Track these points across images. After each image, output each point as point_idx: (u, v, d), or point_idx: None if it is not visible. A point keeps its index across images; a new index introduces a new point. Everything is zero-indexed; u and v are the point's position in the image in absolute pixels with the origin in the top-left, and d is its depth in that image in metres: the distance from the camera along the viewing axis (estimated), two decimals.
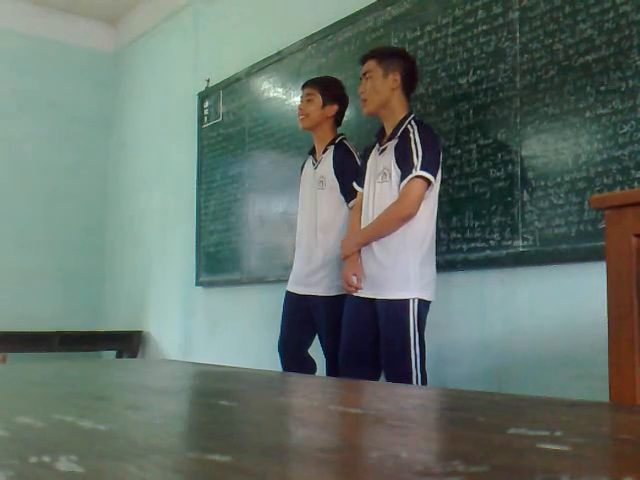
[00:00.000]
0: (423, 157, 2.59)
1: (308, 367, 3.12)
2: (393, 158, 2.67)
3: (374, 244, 2.69)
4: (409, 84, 2.80)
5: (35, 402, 1.08)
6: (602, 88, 2.55)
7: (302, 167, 3.31)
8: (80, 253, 5.75)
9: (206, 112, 4.85)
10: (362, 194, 2.84)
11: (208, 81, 4.82)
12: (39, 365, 2.67)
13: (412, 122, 2.70)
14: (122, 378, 1.55)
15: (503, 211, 2.84)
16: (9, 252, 5.41)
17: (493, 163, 2.89)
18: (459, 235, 2.99)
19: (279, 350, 3.17)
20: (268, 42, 4.23)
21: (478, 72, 2.99)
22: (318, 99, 3.12)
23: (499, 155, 2.88)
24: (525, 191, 2.76)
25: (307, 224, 3.14)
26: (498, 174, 2.87)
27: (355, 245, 2.76)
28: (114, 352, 5.38)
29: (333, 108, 3.14)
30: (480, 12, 3.00)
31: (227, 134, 4.62)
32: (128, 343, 5.30)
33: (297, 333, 3.15)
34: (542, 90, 2.74)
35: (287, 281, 3.23)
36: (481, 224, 2.91)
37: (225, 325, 4.54)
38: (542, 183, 2.71)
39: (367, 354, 2.72)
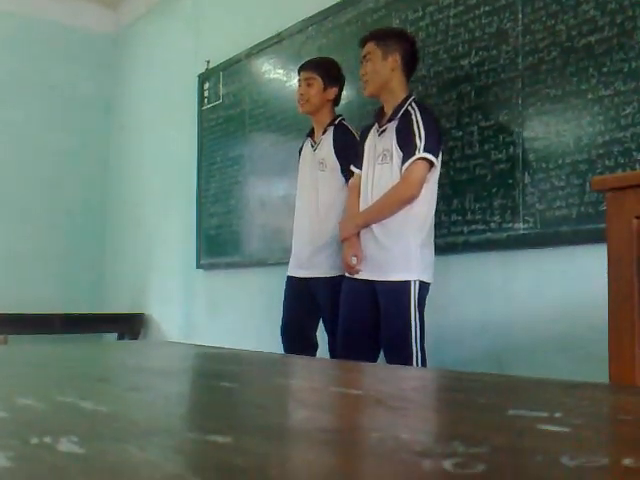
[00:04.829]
0: (426, 139, 2.58)
1: (312, 350, 3.12)
2: (394, 140, 2.65)
3: (374, 226, 2.67)
4: (409, 65, 2.78)
5: (36, 384, 1.08)
6: (605, 69, 2.53)
7: (300, 150, 3.29)
8: (81, 235, 5.75)
9: (206, 94, 4.83)
10: (360, 176, 2.82)
11: (208, 63, 4.79)
12: (40, 347, 2.68)
13: (413, 104, 2.69)
14: (123, 360, 1.56)
15: (504, 193, 2.83)
16: (10, 235, 5.41)
17: (494, 145, 2.88)
18: (460, 217, 2.99)
19: (282, 334, 3.16)
20: (268, 23, 4.20)
21: (480, 53, 2.96)
22: (319, 83, 3.09)
23: (500, 137, 2.86)
24: (526, 173, 2.75)
25: (308, 207, 3.12)
26: (499, 156, 2.86)
27: (355, 227, 2.74)
28: (115, 334, 5.40)
29: (333, 90, 3.12)
30: None
31: (227, 116, 4.60)
32: (129, 325, 5.32)
33: (300, 317, 3.14)
34: (544, 71, 2.72)
35: (287, 264, 3.23)
36: (482, 206, 2.91)
37: (226, 307, 4.55)
38: (543, 165, 2.70)
39: (366, 335, 2.73)
